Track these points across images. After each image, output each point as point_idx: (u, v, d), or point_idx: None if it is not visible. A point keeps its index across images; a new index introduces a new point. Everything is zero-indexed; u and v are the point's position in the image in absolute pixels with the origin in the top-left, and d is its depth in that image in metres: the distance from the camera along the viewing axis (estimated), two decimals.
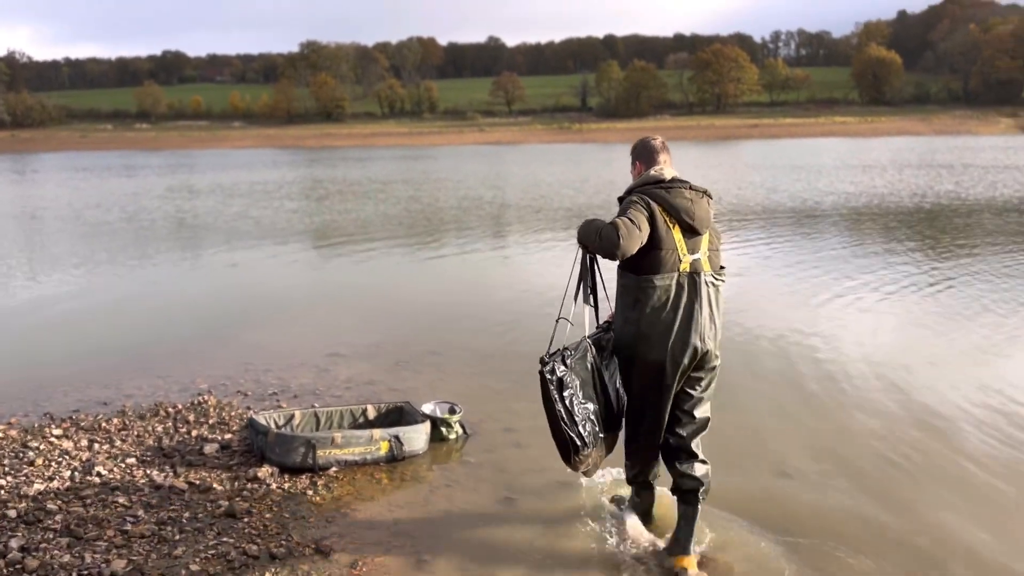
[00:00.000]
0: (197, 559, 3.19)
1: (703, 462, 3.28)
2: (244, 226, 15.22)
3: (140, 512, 3.58)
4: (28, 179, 33.01)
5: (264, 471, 4.00)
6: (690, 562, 3.20)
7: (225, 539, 3.36)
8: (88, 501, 3.68)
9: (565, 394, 3.11)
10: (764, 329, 6.87)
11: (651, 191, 3.21)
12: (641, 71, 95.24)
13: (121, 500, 3.69)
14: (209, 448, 4.32)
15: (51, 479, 3.93)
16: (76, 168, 39.48)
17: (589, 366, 3.22)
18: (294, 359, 6.18)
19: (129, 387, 5.55)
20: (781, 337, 6.65)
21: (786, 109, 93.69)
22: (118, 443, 4.43)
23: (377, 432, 4.20)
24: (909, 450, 4.39)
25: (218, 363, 6.12)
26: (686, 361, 3.13)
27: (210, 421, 4.78)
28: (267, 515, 3.60)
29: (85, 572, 3.08)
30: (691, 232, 3.17)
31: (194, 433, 4.58)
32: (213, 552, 3.25)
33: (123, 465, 4.12)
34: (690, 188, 3.23)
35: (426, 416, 4.51)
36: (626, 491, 3.71)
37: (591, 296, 3.33)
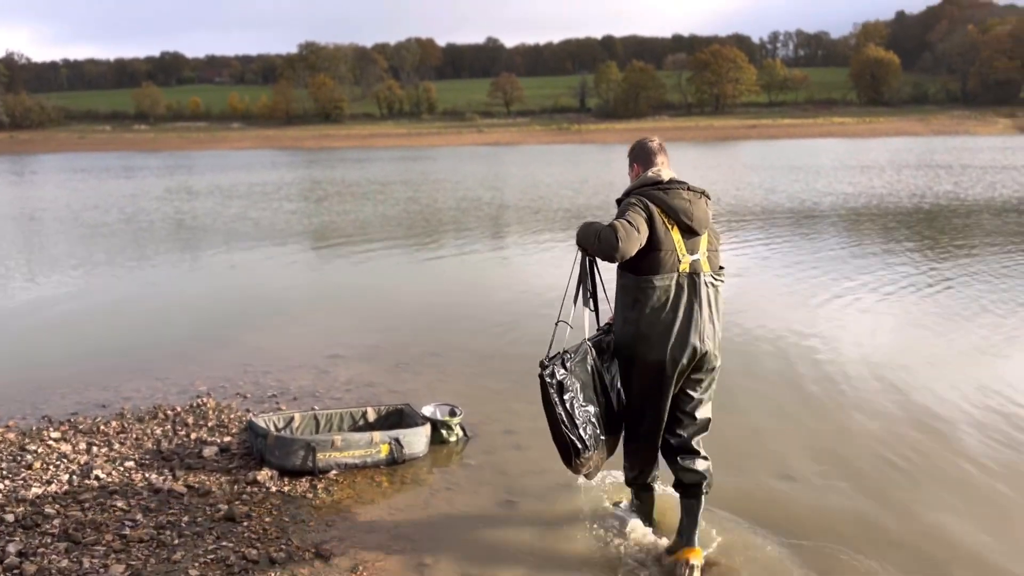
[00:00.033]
0: (196, 564, 3.18)
1: (704, 458, 3.29)
2: (243, 227, 15.20)
3: (139, 516, 3.56)
4: (27, 180, 32.97)
5: (263, 474, 3.98)
6: (695, 553, 3.19)
7: (224, 543, 3.34)
8: (86, 505, 3.66)
9: (565, 397, 3.11)
10: (763, 330, 6.86)
11: (649, 193, 3.21)
12: (639, 72, 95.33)
13: (120, 504, 3.67)
14: (208, 451, 4.30)
15: (49, 483, 3.91)
16: (74, 169, 39.44)
17: (589, 368, 3.22)
18: (293, 361, 6.16)
19: (127, 389, 5.53)
20: (780, 338, 6.64)
21: (784, 110, 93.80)
22: (116, 446, 4.41)
23: (377, 435, 4.19)
24: (909, 451, 4.39)
25: (217, 365, 6.10)
26: (685, 361, 3.13)
27: (209, 424, 4.77)
28: (267, 519, 3.59)
29: None
30: (690, 233, 3.17)
31: (193, 436, 4.56)
32: (212, 557, 3.23)
33: (122, 468, 4.10)
34: (688, 189, 3.23)
35: (426, 418, 4.50)
36: (627, 493, 3.70)
37: (590, 299, 3.33)
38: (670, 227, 3.14)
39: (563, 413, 3.10)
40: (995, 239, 12.05)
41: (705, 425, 3.31)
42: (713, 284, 3.20)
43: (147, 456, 4.28)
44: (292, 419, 4.48)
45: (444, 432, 4.50)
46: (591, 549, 3.40)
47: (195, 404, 5.13)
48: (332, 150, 61.27)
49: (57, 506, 3.65)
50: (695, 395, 3.25)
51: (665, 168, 3.34)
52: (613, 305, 3.34)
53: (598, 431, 3.20)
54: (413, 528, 3.56)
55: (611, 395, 3.29)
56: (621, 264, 3.17)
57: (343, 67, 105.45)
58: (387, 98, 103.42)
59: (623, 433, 3.37)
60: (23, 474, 4.00)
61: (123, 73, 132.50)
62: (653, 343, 3.12)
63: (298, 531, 3.50)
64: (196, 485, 3.90)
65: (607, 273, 3.35)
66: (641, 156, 3.41)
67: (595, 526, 3.56)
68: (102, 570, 3.10)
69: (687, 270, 3.14)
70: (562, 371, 3.12)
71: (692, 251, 3.16)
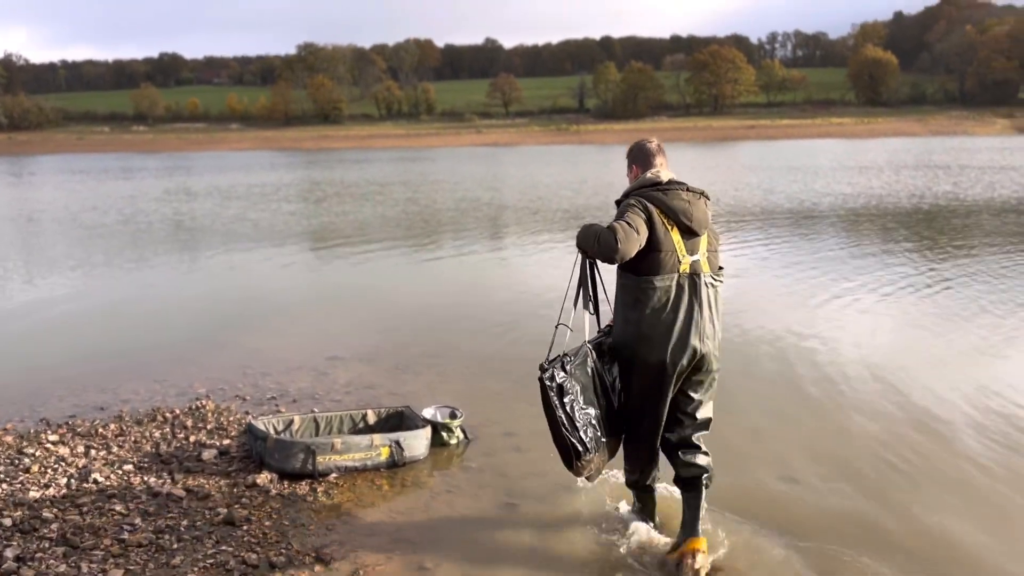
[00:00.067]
0: (195, 568, 3.15)
1: (705, 453, 3.31)
2: (242, 228, 15.17)
3: (137, 520, 3.54)
4: (25, 181, 32.93)
5: (263, 477, 3.96)
6: (700, 543, 3.20)
7: (224, 547, 3.32)
8: (84, 509, 3.64)
9: (565, 400, 3.11)
10: (763, 330, 6.85)
11: (648, 194, 3.22)
12: (638, 72, 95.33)
13: (118, 508, 3.65)
14: (207, 454, 4.28)
15: (47, 486, 3.89)
16: (73, 170, 39.39)
17: (590, 371, 3.23)
18: (293, 363, 6.14)
19: (126, 392, 5.51)
20: (779, 338, 6.63)
21: (783, 110, 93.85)
22: (115, 449, 4.39)
23: (377, 437, 4.17)
24: (909, 452, 4.38)
25: (216, 367, 6.08)
26: (685, 362, 3.13)
27: (208, 426, 4.74)
28: (266, 523, 3.56)
29: None
30: (689, 233, 3.18)
31: (192, 439, 4.54)
32: (212, 561, 3.21)
33: (120, 472, 4.08)
34: (687, 190, 3.24)
35: (427, 421, 4.48)
36: (628, 495, 3.69)
37: (590, 302, 3.32)
38: (670, 228, 3.14)
39: (563, 416, 3.09)
40: (994, 239, 12.05)
41: (706, 424, 3.33)
42: (713, 284, 3.21)
43: (146, 459, 4.25)
44: (292, 422, 4.46)
45: (445, 434, 4.48)
46: (593, 551, 3.38)
47: (194, 407, 5.10)
48: (331, 151, 61.24)
49: (55, 510, 3.62)
50: (696, 396, 3.26)
51: (664, 169, 3.34)
52: (613, 306, 3.33)
53: (599, 433, 3.20)
54: (414, 531, 3.54)
55: (612, 397, 3.29)
56: (621, 265, 3.17)
57: (342, 68, 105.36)
58: (386, 99, 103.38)
59: (623, 435, 3.37)
60: (21, 478, 3.98)
61: (121, 74, 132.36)
62: (654, 344, 3.12)
63: (298, 535, 3.47)
64: (195, 488, 3.87)
65: (607, 273, 3.35)
66: (640, 157, 3.41)
67: (597, 528, 3.55)
68: (100, 575, 3.08)
69: (687, 271, 3.15)
70: (562, 374, 3.12)
71: (692, 252, 3.17)
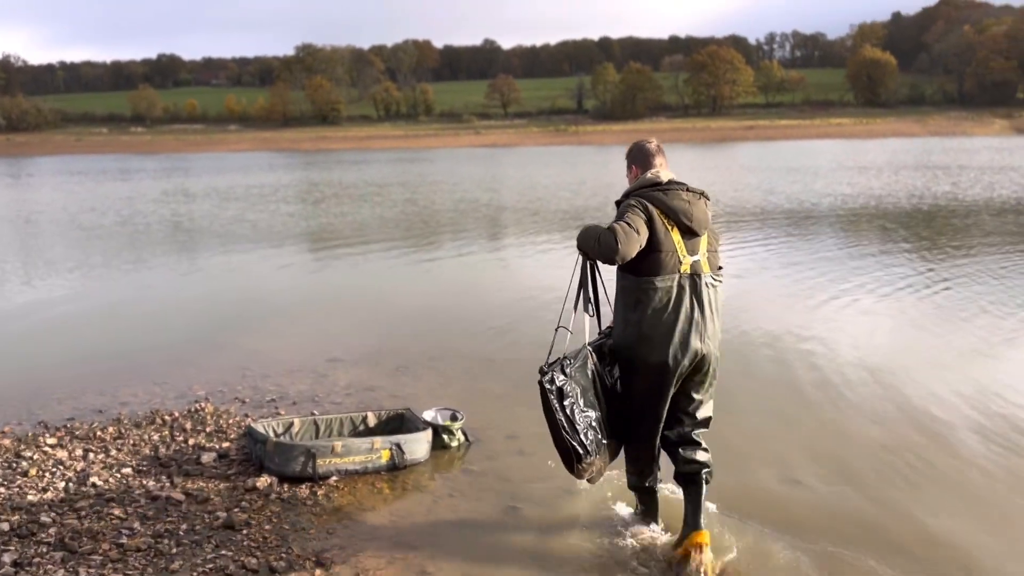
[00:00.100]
0: (195, 573, 3.12)
1: (705, 449, 3.32)
2: (240, 230, 15.14)
3: (136, 524, 3.50)
4: (23, 183, 32.88)
5: (263, 481, 3.93)
6: (704, 536, 3.20)
7: (223, 552, 3.28)
8: (83, 513, 3.60)
9: (565, 403, 3.10)
10: (762, 331, 6.83)
11: (648, 194, 3.22)
12: (637, 73, 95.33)
13: (117, 512, 3.61)
14: (206, 457, 4.25)
15: (45, 490, 3.86)
16: (71, 172, 39.34)
17: (590, 373, 3.22)
18: (292, 365, 6.11)
19: (125, 394, 5.47)
20: (779, 339, 6.62)
21: (781, 111, 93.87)
22: (114, 452, 4.35)
23: (378, 440, 4.14)
24: (909, 454, 4.35)
25: (215, 369, 6.04)
26: (686, 363, 3.13)
27: (207, 429, 4.71)
28: (266, 527, 3.53)
29: None
30: (690, 234, 3.18)
31: (191, 442, 4.51)
32: (211, 566, 3.17)
33: (119, 475, 4.04)
34: (687, 190, 3.24)
35: (427, 423, 4.45)
36: (631, 497, 3.66)
37: (590, 304, 3.31)
38: (670, 228, 3.14)
39: (563, 419, 3.09)
40: (993, 240, 12.04)
41: (706, 423, 3.35)
42: (713, 285, 3.22)
43: (145, 462, 4.22)
44: (291, 424, 4.43)
45: (446, 437, 4.45)
46: (597, 555, 3.36)
47: (193, 409, 5.07)
48: (329, 152, 61.22)
49: (53, 514, 3.59)
50: (696, 396, 3.28)
51: (664, 169, 3.35)
52: (613, 308, 3.31)
53: (599, 436, 3.19)
54: (415, 535, 3.51)
55: (612, 399, 3.28)
56: (621, 266, 3.17)
57: (340, 69, 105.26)
58: (384, 100, 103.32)
59: (625, 436, 3.36)
60: (18, 481, 3.94)
61: (120, 75, 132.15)
62: (655, 344, 3.11)
63: (298, 539, 3.44)
64: (194, 492, 3.84)
65: (607, 273, 3.33)
66: (639, 158, 3.41)
67: (601, 531, 3.52)
68: None
69: (688, 271, 3.15)
70: (562, 377, 3.11)
71: (692, 252, 3.17)
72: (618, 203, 3.32)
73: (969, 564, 3.28)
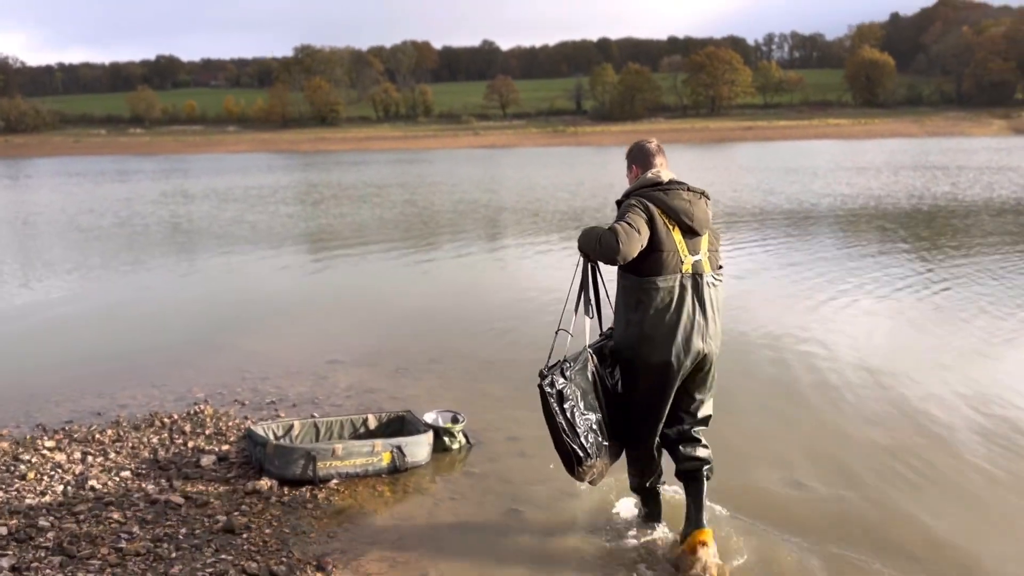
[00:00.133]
0: None
1: (705, 446, 3.33)
2: (239, 231, 15.11)
3: (135, 528, 3.47)
4: (21, 184, 32.83)
5: (263, 484, 3.90)
6: (707, 534, 3.19)
7: (223, 556, 3.25)
8: (81, 517, 3.57)
9: (566, 406, 3.09)
10: (762, 332, 6.82)
11: (649, 194, 3.22)
12: (635, 74, 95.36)
13: (115, 516, 3.58)
14: (206, 460, 4.22)
15: (43, 494, 3.83)
16: (69, 173, 39.29)
17: (590, 376, 3.22)
18: (292, 366, 6.08)
19: (123, 396, 5.44)
20: (778, 340, 6.60)
21: (780, 111, 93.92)
22: (112, 455, 4.32)
23: (379, 443, 4.11)
24: (909, 455, 4.34)
25: (214, 371, 6.01)
26: (689, 363, 3.14)
27: (207, 432, 4.68)
28: (267, 530, 3.50)
29: None
30: (691, 233, 3.18)
31: (190, 444, 4.48)
32: (211, 570, 3.14)
33: (117, 479, 4.01)
34: (688, 189, 3.24)
35: (428, 426, 4.42)
36: (634, 499, 3.65)
37: (590, 307, 3.30)
38: (671, 228, 3.14)
39: (564, 422, 3.08)
40: (993, 240, 12.03)
41: (706, 421, 3.36)
42: (714, 284, 3.22)
43: (143, 466, 4.19)
44: (292, 427, 4.40)
45: (447, 439, 4.42)
46: (601, 557, 3.33)
47: (192, 411, 5.04)
48: (328, 153, 61.18)
49: (51, 518, 3.56)
50: (698, 396, 3.29)
51: (664, 169, 3.35)
52: (614, 309, 3.30)
53: (600, 438, 3.19)
54: (417, 539, 3.49)
55: (613, 400, 3.26)
56: (623, 266, 3.16)
57: (339, 70, 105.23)
58: (383, 101, 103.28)
59: (626, 438, 3.34)
60: (16, 485, 3.91)
61: (118, 77, 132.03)
62: (657, 345, 3.11)
63: (299, 543, 3.41)
64: (194, 495, 3.81)
65: (608, 273, 3.32)
66: (639, 157, 3.41)
67: (604, 533, 3.50)
68: None
69: (690, 271, 3.15)
70: (562, 380, 3.10)
71: (694, 251, 3.17)
72: (619, 203, 3.31)
73: (970, 565, 3.27)
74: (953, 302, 7.97)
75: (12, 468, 4.11)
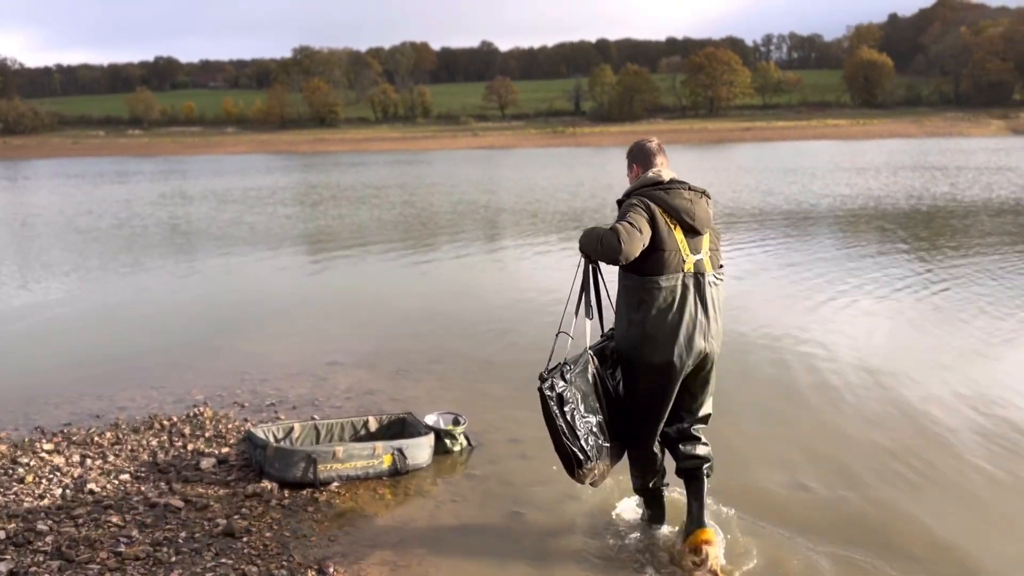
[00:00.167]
0: None
1: (704, 444, 3.34)
2: (238, 232, 15.09)
3: (134, 532, 3.45)
4: (19, 186, 32.78)
5: (263, 487, 3.88)
6: (709, 533, 3.20)
7: (224, 560, 3.23)
8: (80, 521, 3.55)
9: (566, 409, 3.08)
10: (761, 333, 6.81)
11: (650, 193, 3.21)
12: (634, 75, 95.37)
13: (114, 519, 3.56)
14: (206, 463, 4.20)
15: (42, 497, 3.81)
16: (68, 174, 39.24)
17: (591, 378, 3.21)
18: (291, 368, 6.06)
19: (122, 399, 5.42)
20: (777, 341, 6.59)
21: (778, 112, 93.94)
22: (111, 458, 4.30)
23: (380, 445, 4.09)
24: (910, 456, 4.33)
25: (213, 373, 5.99)
26: (691, 363, 3.13)
27: (206, 434, 4.66)
28: (267, 534, 3.48)
29: None
30: (692, 232, 3.17)
31: (190, 447, 4.46)
32: (211, 574, 3.13)
33: (116, 482, 3.99)
34: (689, 189, 3.24)
35: (429, 428, 4.40)
36: (637, 500, 3.63)
37: (590, 309, 3.29)
38: (673, 227, 3.14)
39: (564, 425, 3.07)
40: (992, 240, 12.03)
41: (705, 419, 3.37)
42: (715, 283, 3.22)
43: (143, 468, 4.17)
44: (292, 429, 4.39)
45: (448, 442, 4.41)
46: (602, 558, 3.32)
47: (192, 414, 5.02)
48: (327, 154, 61.14)
49: (50, 522, 3.54)
50: (699, 395, 3.30)
51: (665, 168, 3.35)
52: (615, 309, 3.28)
53: (600, 440, 3.18)
54: (418, 541, 3.47)
55: (614, 402, 3.26)
56: (625, 265, 3.15)
57: (337, 71, 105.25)
58: (382, 102, 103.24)
59: (628, 440, 3.33)
60: (15, 488, 3.89)
61: (117, 78, 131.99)
62: (659, 344, 3.10)
63: (300, 546, 3.40)
64: (194, 499, 3.79)
65: (608, 274, 3.30)
66: (640, 157, 3.41)
67: (606, 535, 3.49)
68: None
69: (691, 270, 3.14)
70: (562, 383, 3.10)
71: (695, 251, 3.16)
72: (619, 202, 3.31)
73: (971, 565, 3.27)
74: (952, 302, 7.96)
75: (10, 471, 4.09)
